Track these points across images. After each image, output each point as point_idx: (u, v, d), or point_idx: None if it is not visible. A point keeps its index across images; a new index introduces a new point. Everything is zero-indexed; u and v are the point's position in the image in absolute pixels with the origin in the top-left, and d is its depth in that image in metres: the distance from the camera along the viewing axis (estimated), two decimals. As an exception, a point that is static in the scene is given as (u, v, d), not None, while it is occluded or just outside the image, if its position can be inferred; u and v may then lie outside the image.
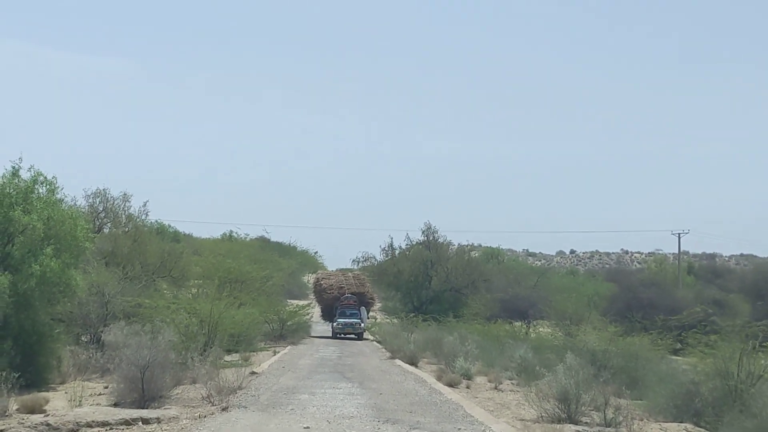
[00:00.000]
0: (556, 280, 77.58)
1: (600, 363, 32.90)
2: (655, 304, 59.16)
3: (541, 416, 19.84)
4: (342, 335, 58.83)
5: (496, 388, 27.04)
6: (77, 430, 17.71)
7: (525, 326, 62.30)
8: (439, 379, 27.44)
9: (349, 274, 68.37)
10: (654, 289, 61.85)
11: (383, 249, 73.95)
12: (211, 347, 31.56)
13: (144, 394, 21.02)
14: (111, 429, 17.27)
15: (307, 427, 16.21)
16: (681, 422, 22.48)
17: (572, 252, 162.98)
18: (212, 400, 20.85)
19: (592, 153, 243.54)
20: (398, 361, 36.32)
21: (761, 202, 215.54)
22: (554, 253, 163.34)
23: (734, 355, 22.96)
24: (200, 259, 64.09)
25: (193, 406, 20.44)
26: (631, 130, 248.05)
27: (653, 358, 36.10)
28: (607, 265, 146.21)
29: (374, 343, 53.53)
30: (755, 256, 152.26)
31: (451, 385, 26.13)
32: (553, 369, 22.77)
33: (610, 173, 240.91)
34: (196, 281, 53.64)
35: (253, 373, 27.80)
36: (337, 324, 59.28)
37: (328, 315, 64.71)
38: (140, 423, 18.46)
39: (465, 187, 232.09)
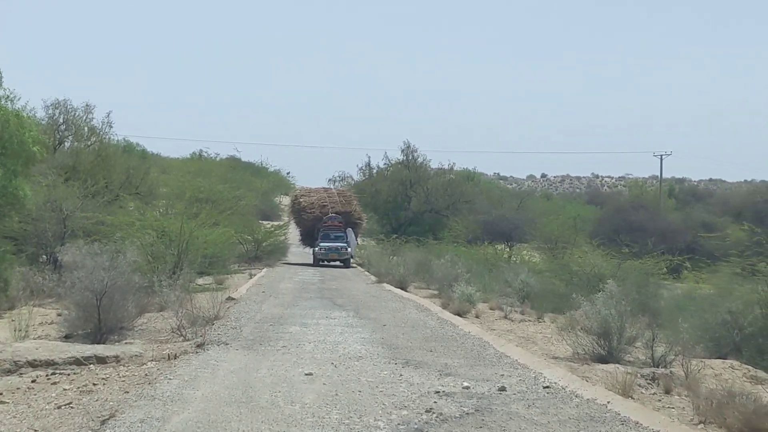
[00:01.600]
0: (537, 203, 73.94)
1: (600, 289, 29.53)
2: (644, 227, 55.70)
3: (577, 353, 16.12)
4: (325, 262, 49.31)
5: (506, 317, 23.36)
6: (15, 370, 13.82)
7: (508, 249, 59.12)
8: (445, 307, 23.67)
9: (333, 190, 58.28)
10: (642, 211, 58.29)
11: (360, 168, 69.82)
12: (181, 270, 27.72)
13: (101, 325, 17.13)
14: (56, 370, 13.30)
15: (310, 373, 12.31)
16: (721, 357, 19.01)
17: (543, 176, 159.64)
18: (184, 333, 16.94)
19: (565, 77, 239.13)
20: (387, 286, 32.55)
21: (729, 127, 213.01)
22: (525, 177, 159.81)
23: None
24: (169, 178, 60.08)
25: (161, 341, 16.60)
26: (601, 55, 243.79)
27: (663, 284, 32.64)
28: (578, 189, 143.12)
29: (355, 266, 49.41)
30: (724, 181, 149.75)
31: (459, 314, 22.38)
32: (579, 298, 19.13)
33: (580, 97, 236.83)
34: (164, 201, 49.49)
35: (230, 298, 23.84)
36: (320, 249, 49.36)
37: (308, 239, 54.87)
38: (94, 363, 14.60)
39: (439, 109, 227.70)
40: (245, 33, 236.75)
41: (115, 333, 17.40)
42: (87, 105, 47.92)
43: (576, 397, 11.22)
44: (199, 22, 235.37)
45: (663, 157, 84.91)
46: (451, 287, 30.04)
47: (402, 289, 31.97)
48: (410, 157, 67.67)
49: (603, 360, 15.94)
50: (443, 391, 11.22)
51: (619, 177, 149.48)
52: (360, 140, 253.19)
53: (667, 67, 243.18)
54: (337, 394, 10.85)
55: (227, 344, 15.24)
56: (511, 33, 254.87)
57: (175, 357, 14.43)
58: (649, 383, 14.02)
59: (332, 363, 13.39)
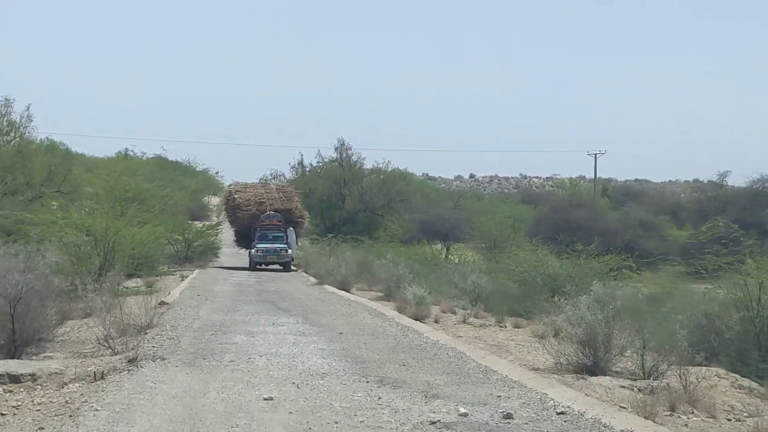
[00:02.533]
0: (472, 203, 72.12)
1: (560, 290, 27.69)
2: (583, 226, 54.24)
3: (560, 363, 14.08)
4: (263, 265, 44.04)
5: (464, 321, 21.28)
6: None
7: (445, 249, 57.36)
8: (401, 311, 21.49)
9: (272, 186, 52.82)
10: (582, 210, 56.82)
11: (293, 167, 67.11)
12: (108, 272, 25.19)
13: (15, 336, 14.63)
14: (-42, 393, 10.89)
15: (270, 398, 9.98)
16: (700, 365, 17.09)
17: (472, 176, 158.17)
18: (112, 345, 14.52)
19: (492, 76, 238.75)
20: (329, 288, 30.29)
21: (650, 128, 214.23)
22: (453, 177, 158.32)
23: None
24: (94, 176, 57.12)
25: (86, 354, 14.20)
26: (528, 55, 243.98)
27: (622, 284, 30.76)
28: (506, 189, 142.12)
29: (296, 269, 44.85)
30: (649, 181, 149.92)
31: (418, 318, 20.23)
32: (563, 300, 17.14)
33: (508, 96, 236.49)
34: (89, 201, 46.59)
35: (162, 303, 21.31)
36: (257, 251, 43.74)
37: (243, 240, 48.51)
38: (6, 381, 12.24)
39: (368, 107, 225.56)
40: (169, 28, 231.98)
41: (32, 345, 14.96)
42: (6, 99, 44.74)
43: (605, 427, 9.09)
44: (125, 15, 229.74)
45: (597, 155, 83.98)
46: (397, 288, 27.99)
47: (345, 290, 29.78)
48: (344, 155, 65.37)
49: (589, 371, 13.96)
50: (440, 421, 9.02)
51: (547, 177, 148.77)
52: (292, 138, 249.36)
53: (591, 67, 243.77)
54: (309, 428, 8.59)
55: (164, 359, 12.86)
56: (438, 32, 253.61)
57: (103, 376, 12.01)
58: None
59: (293, 382, 11.09)
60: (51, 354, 14.98)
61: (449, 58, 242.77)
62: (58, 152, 69.79)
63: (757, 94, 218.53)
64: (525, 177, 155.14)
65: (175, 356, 13.17)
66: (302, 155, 70.07)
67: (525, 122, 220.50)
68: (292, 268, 43.77)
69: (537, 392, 11.04)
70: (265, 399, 9.92)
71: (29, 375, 12.69)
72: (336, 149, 65.75)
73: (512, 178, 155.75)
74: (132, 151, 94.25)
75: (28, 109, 45.50)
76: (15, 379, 12.70)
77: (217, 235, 47.71)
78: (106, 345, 14.61)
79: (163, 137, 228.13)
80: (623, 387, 12.88)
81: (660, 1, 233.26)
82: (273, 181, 63.30)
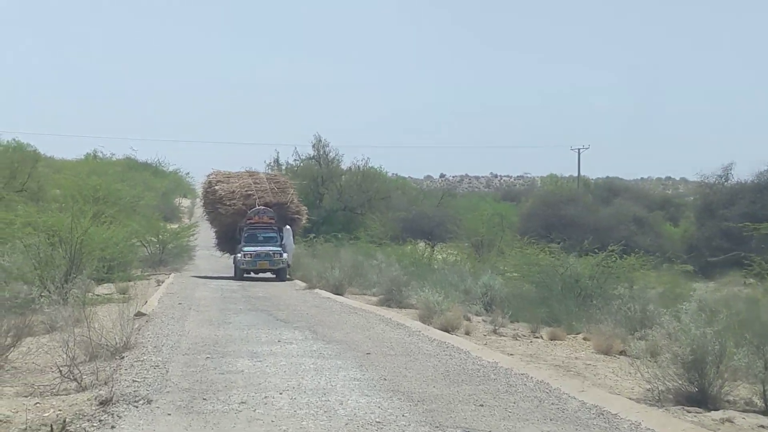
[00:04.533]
0: (455, 200, 68.43)
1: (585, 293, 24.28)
2: (576, 222, 50.82)
3: (658, 391, 10.51)
4: (251, 273, 34.63)
5: (495, 331, 17.70)
6: None
7: (430, 247, 53.85)
8: (425, 321, 17.81)
9: (261, 174, 41.24)
10: (574, 205, 53.37)
11: (269, 165, 62.84)
12: (74, 277, 21.39)
13: (-47, 364, 10.93)
14: None
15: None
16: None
17: (442, 176, 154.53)
18: (78, 376, 10.73)
19: (462, 73, 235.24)
20: (323, 293, 26.51)
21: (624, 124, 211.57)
22: (423, 177, 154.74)
23: None
24: (61, 177, 52.99)
25: (44, 390, 10.39)
26: (496, 54, 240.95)
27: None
28: (476, 189, 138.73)
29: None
30: (621, 179, 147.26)
31: (447, 330, 16.57)
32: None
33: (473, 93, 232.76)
34: (56, 204, 42.51)
35: (139, 314, 17.36)
36: (244, 255, 33.93)
37: (227, 242, 38.26)
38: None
39: (337, 105, 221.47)
40: (139, 23, 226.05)
41: (-25, 375, 11.23)
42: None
43: None
44: (88, 13, 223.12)
45: (581, 150, 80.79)
46: (399, 293, 24.42)
47: (339, 295, 26.11)
48: (321, 152, 61.36)
49: (695, 401, 10.38)
50: None
51: (518, 176, 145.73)
52: (266, 136, 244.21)
53: (561, 63, 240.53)
54: None
55: (150, 401, 9.03)
56: (408, 26, 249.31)
57: (63, 428, 8.24)
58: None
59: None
60: (-2, 388, 11.19)
61: (420, 53, 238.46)
62: (24, 151, 65.74)
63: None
64: (495, 176, 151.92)
65: (165, 395, 9.36)
66: (278, 153, 65.25)
67: (493, 120, 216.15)
68: (288, 276, 34.43)
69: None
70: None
71: (-41, 425, 8.96)
72: (313, 146, 61.71)
73: (482, 177, 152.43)
74: (101, 152, 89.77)
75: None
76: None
77: (191, 237, 43.24)
78: (71, 376, 10.81)
79: (132, 137, 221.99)
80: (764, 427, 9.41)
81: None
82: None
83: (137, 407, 8.73)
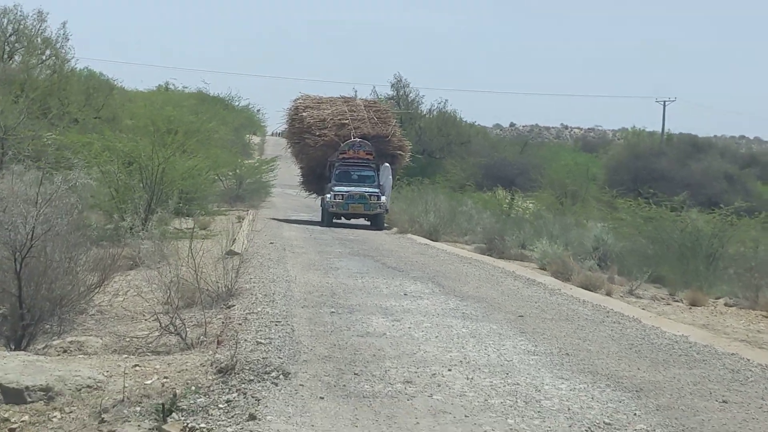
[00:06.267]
0: (536, 149, 65.35)
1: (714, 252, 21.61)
2: (666, 176, 47.77)
3: None
4: (343, 218, 28.63)
5: (631, 292, 15.21)
6: None
7: (510, 195, 51.34)
8: (561, 277, 15.44)
9: (358, 101, 33.22)
10: (665, 159, 50.32)
11: (346, 103, 60.55)
12: (156, 208, 19.44)
13: (24, 307, 8.81)
14: None
15: None
16: None
17: (512, 125, 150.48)
18: (180, 329, 8.57)
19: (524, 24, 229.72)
20: (418, 238, 24.14)
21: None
22: (491, 126, 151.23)
23: None
24: (135, 106, 51.14)
25: (139, 345, 8.31)
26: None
27: None
28: (546, 140, 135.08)
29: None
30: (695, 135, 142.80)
31: (589, 288, 14.16)
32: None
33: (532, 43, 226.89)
34: (130, 135, 40.73)
35: (231, 253, 14.98)
36: (335, 196, 27.64)
37: (314, 180, 31.49)
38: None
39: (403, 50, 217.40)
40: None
41: (52, 321, 9.11)
42: (39, 12, 38.59)
43: None
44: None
45: (666, 103, 77.28)
46: (503, 242, 22.09)
47: (435, 241, 23.80)
48: (401, 93, 58.68)
49: None
50: None
51: (588, 128, 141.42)
52: (342, 74, 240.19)
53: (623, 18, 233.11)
54: None
55: (287, 376, 6.70)
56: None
57: (173, 405, 6.00)
58: None
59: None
60: (82, 337, 9.05)
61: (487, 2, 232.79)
62: (98, 79, 64.24)
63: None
64: (566, 127, 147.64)
65: (304, 366, 7.04)
66: (356, 91, 62.50)
67: (566, 68, 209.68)
68: (385, 224, 28.44)
69: None
70: None
71: (40, 390, 6.86)
72: (392, 86, 58.97)
73: (553, 128, 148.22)
74: (173, 84, 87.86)
75: (64, 27, 39.47)
76: (14, 395, 6.86)
77: (273, 173, 40.90)
78: (172, 328, 8.61)
79: (205, 69, 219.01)
80: None
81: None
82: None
83: (276, 384, 6.42)
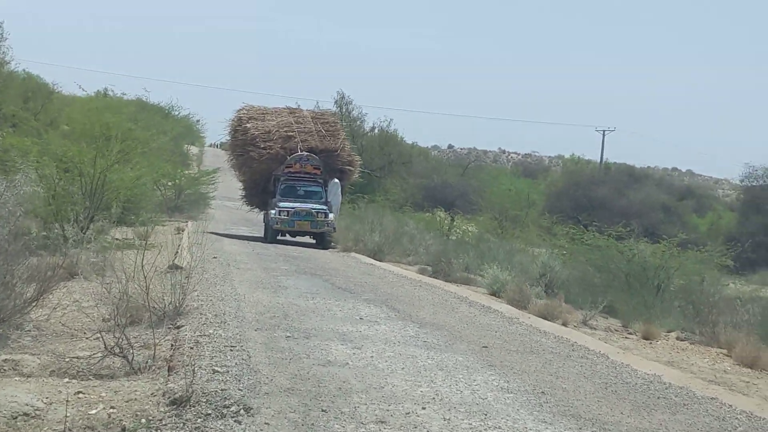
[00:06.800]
0: (478, 172, 65.26)
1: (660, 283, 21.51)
2: (606, 205, 48.02)
3: None
4: (287, 235, 27.58)
5: (584, 322, 14.84)
6: None
7: (449, 217, 51.04)
8: (517, 305, 14.97)
9: (305, 112, 30.61)
10: (605, 188, 50.53)
11: (287, 118, 59.74)
12: (95, 218, 18.66)
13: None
14: None
15: None
16: None
17: (450, 146, 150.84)
18: (127, 352, 7.88)
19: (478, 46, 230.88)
20: (363, 258, 23.61)
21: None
22: (430, 146, 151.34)
23: None
24: (73, 111, 49.89)
25: (81, 368, 7.60)
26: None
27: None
28: (483, 163, 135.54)
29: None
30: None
31: (546, 318, 13.73)
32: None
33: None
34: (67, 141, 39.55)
35: (174, 267, 14.26)
36: (279, 212, 26.19)
37: (258, 196, 29.36)
38: None
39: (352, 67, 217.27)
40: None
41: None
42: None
43: None
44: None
45: (605, 133, 77.97)
46: (449, 264, 21.60)
47: (380, 261, 23.30)
48: (344, 110, 58.05)
49: None
50: None
51: (526, 153, 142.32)
52: (284, 89, 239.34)
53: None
54: None
55: (249, 411, 6.09)
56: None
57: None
58: None
59: None
60: (16, 357, 8.32)
61: (446, 24, 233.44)
62: (36, 81, 62.84)
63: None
64: (504, 151, 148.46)
65: (266, 400, 6.41)
66: (299, 106, 61.77)
67: (505, 93, 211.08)
68: (332, 244, 26.69)
69: None
70: None
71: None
72: (335, 102, 58.33)
73: (491, 151, 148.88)
74: (112, 90, 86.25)
75: (0, 27, 38.38)
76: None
77: (213, 185, 39.99)
78: (117, 350, 7.91)
79: (145, 77, 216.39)
80: None
81: None
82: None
83: (239, 422, 5.80)
